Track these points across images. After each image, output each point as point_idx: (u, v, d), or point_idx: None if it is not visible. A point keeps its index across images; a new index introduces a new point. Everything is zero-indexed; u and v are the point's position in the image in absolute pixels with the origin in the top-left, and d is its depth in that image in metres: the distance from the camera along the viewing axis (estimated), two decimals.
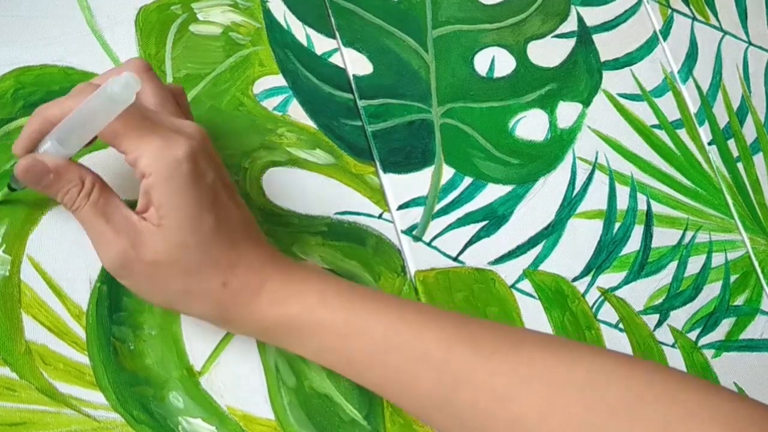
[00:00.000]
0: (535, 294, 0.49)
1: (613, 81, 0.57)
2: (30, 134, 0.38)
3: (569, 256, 0.51)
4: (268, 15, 0.51)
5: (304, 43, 0.51)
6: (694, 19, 0.62)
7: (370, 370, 0.38)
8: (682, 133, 0.58)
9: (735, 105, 0.61)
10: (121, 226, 0.37)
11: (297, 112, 0.49)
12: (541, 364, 0.35)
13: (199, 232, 0.37)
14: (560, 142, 0.54)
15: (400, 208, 0.49)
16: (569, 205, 0.52)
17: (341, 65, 0.51)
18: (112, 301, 0.41)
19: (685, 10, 0.62)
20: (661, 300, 0.52)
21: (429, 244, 0.48)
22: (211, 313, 0.38)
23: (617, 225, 0.53)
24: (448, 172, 0.51)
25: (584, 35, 0.58)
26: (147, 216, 0.37)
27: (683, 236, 0.54)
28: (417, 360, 0.36)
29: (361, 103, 0.50)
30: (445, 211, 0.50)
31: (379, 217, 0.48)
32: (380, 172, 0.49)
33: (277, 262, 0.39)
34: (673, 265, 0.53)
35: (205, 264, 0.37)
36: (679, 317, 0.52)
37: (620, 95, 0.57)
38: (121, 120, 0.35)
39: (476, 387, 0.35)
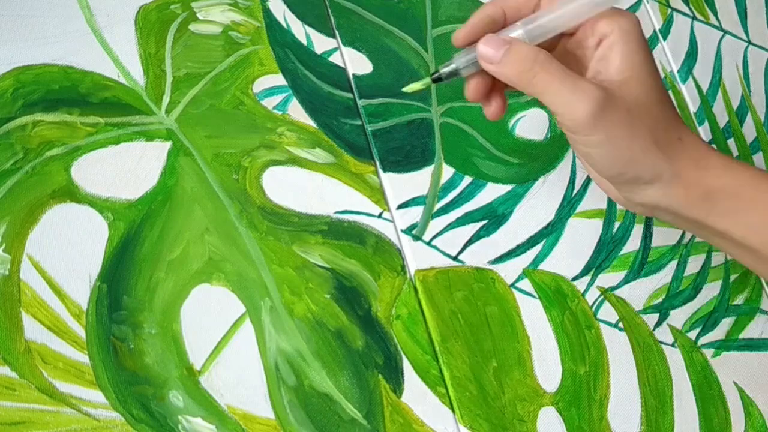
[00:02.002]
0: (534, 293, 0.49)
1: None
2: (481, 18, 0.41)
3: (569, 256, 0.51)
4: (267, 14, 0.51)
5: (304, 42, 0.51)
6: (693, 18, 0.62)
7: None
8: None
9: (735, 104, 0.60)
10: (586, 84, 0.38)
11: (297, 111, 0.49)
12: None
13: (657, 85, 0.40)
14: (560, 141, 0.54)
15: (400, 207, 0.49)
16: (569, 205, 0.52)
17: (341, 64, 0.51)
18: (112, 300, 0.41)
19: (685, 9, 0.62)
20: (660, 299, 0.52)
21: (429, 244, 0.48)
22: (664, 167, 0.39)
23: (617, 224, 0.53)
24: (447, 172, 0.51)
25: None
26: (600, 80, 0.39)
27: (683, 235, 0.54)
28: None
29: (360, 103, 0.50)
30: (444, 210, 0.50)
31: (379, 216, 0.48)
32: (380, 171, 0.49)
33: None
34: (672, 265, 0.53)
35: (664, 116, 0.39)
36: (679, 316, 0.52)
37: None
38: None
39: None
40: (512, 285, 0.49)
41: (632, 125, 0.39)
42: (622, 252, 0.52)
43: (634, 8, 0.61)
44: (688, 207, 0.40)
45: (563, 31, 0.41)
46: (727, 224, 0.40)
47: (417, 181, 0.50)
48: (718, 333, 0.53)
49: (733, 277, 0.54)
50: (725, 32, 0.63)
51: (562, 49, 0.43)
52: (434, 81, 0.42)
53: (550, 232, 0.51)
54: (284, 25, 0.51)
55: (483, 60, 0.40)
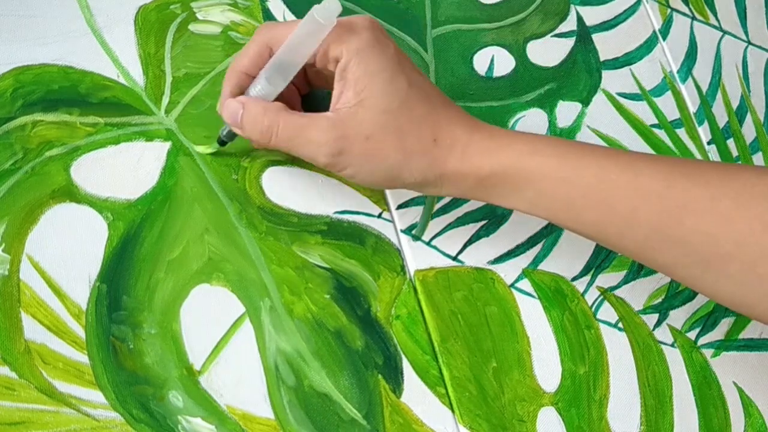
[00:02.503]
0: (534, 293, 0.49)
1: (613, 80, 0.57)
2: (230, 87, 0.42)
3: (569, 256, 0.51)
4: (267, 14, 0.51)
5: None
6: (693, 18, 0.62)
7: (587, 211, 0.39)
8: (682, 133, 0.58)
9: (734, 104, 0.60)
10: (322, 127, 0.39)
11: None
12: (762, 187, 0.36)
13: (398, 93, 0.39)
14: None
15: (400, 207, 0.49)
16: None
17: None
18: (112, 300, 0.41)
19: (685, 9, 0.62)
20: (660, 299, 0.52)
21: (428, 244, 0.48)
22: (426, 173, 0.40)
23: None
24: None
25: (584, 35, 0.58)
26: (341, 104, 0.40)
27: None
28: (635, 194, 0.38)
29: None
30: (444, 210, 0.50)
31: (379, 216, 0.48)
32: None
33: (476, 120, 0.42)
34: None
35: (413, 123, 0.40)
36: (679, 317, 0.52)
37: (620, 95, 0.57)
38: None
39: (699, 212, 0.36)
40: (512, 285, 0.49)
41: (377, 151, 0.40)
42: None
43: (633, 8, 0.61)
44: (468, 195, 0.42)
45: (302, 65, 0.40)
46: (509, 204, 0.41)
47: None
48: (718, 333, 0.53)
49: None
50: (725, 32, 0.63)
51: (312, 78, 0.45)
52: (221, 144, 0.45)
53: (550, 232, 0.51)
54: None
55: (230, 124, 0.42)
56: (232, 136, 0.44)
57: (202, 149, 0.45)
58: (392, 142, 0.39)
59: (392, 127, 0.39)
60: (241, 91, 0.42)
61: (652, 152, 0.56)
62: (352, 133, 0.39)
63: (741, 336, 0.53)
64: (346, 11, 0.53)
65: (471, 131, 0.40)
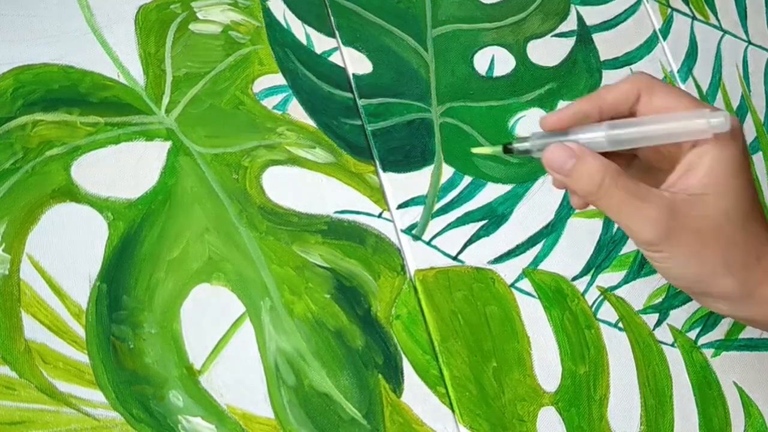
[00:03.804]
0: (534, 293, 0.49)
1: (613, 80, 0.57)
2: (575, 112, 0.39)
3: (569, 256, 0.51)
4: (267, 14, 0.51)
5: (304, 42, 0.51)
6: (693, 18, 0.62)
7: None
8: None
9: (734, 104, 0.60)
10: (656, 201, 0.37)
11: (297, 111, 0.49)
12: None
13: (742, 202, 0.37)
14: None
15: (400, 207, 0.49)
16: (569, 204, 0.52)
17: (341, 64, 0.51)
18: (112, 299, 0.41)
19: (685, 9, 0.62)
20: (660, 299, 0.52)
21: (428, 243, 0.48)
22: (736, 289, 0.38)
23: (617, 224, 0.53)
24: (447, 171, 0.51)
25: (584, 34, 0.58)
26: (679, 188, 0.38)
27: None
28: None
29: (360, 102, 0.50)
30: (444, 210, 0.50)
31: (379, 216, 0.48)
32: (380, 171, 0.49)
33: None
34: None
35: (744, 235, 0.38)
36: (679, 316, 0.52)
37: None
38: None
39: None
40: (512, 285, 0.49)
41: (701, 247, 0.38)
42: (622, 252, 0.52)
43: (634, 8, 0.61)
44: (763, 323, 0.40)
45: (652, 145, 0.39)
46: None
47: (417, 181, 0.50)
48: (718, 333, 0.53)
49: None
50: (725, 32, 0.63)
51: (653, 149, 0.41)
52: (505, 151, 0.42)
53: (550, 232, 0.51)
54: (284, 24, 0.51)
55: (549, 168, 0.39)
56: (526, 152, 0.41)
57: (482, 150, 0.45)
58: (719, 247, 0.38)
59: (724, 232, 0.38)
60: (573, 123, 0.40)
61: None
62: (686, 223, 0.37)
63: (741, 336, 0.53)
64: (345, 10, 0.53)
65: None
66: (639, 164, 0.42)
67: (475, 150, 0.44)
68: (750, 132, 0.60)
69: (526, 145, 0.41)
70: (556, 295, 0.50)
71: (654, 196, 0.37)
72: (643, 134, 0.38)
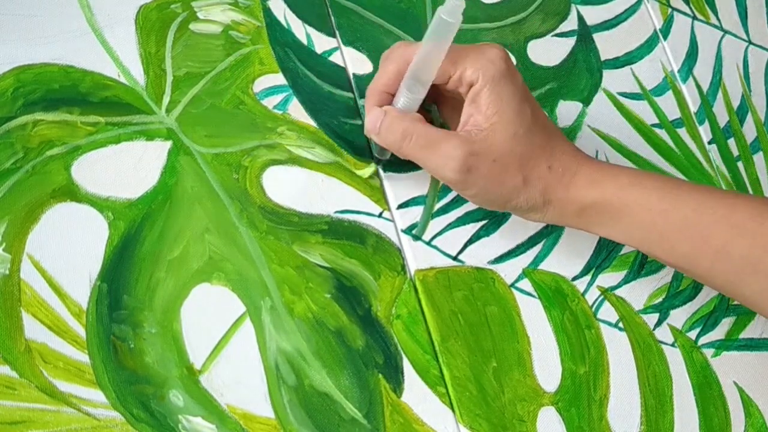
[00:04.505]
0: (534, 293, 0.49)
1: (614, 80, 0.57)
2: (379, 87, 0.45)
3: (569, 256, 0.51)
4: (268, 13, 0.51)
5: (304, 41, 0.51)
6: (694, 18, 0.62)
7: (681, 243, 0.41)
8: (683, 132, 0.58)
9: (735, 104, 0.60)
10: (455, 143, 0.41)
11: (297, 111, 0.49)
12: None
13: (524, 120, 0.42)
14: None
15: (400, 207, 0.49)
16: None
17: (341, 64, 0.51)
18: (112, 299, 0.41)
19: (686, 9, 0.62)
20: (660, 299, 0.52)
21: (429, 243, 0.48)
22: (537, 199, 0.43)
23: None
24: None
25: (584, 34, 0.58)
26: (470, 126, 0.42)
27: None
28: (729, 229, 0.40)
29: (361, 102, 0.50)
30: (444, 210, 0.50)
31: (379, 215, 0.48)
32: (380, 171, 0.49)
33: (584, 153, 0.44)
34: None
35: (534, 150, 0.42)
36: (679, 316, 0.52)
37: (620, 94, 0.57)
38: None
39: None
40: (512, 285, 0.49)
41: (500, 173, 0.42)
42: (622, 252, 0.53)
43: (634, 8, 0.61)
44: (568, 222, 0.44)
45: (438, 67, 0.42)
46: (606, 233, 0.44)
47: (417, 181, 0.50)
48: (718, 333, 0.53)
49: None
50: (726, 32, 0.63)
51: (451, 99, 0.46)
52: (377, 163, 0.48)
53: (550, 232, 0.51)
54: (284, 24, 0.51)
55: (367, 133, 0.45)
56: (383, 151, 0.46)
57: (363, 172, 0.48)
58: (515, 166, 0.42)
59: (516, 153, 0.42)
60: (393, 83, 0.44)
61: (653, 151, 0.56)
62: (482, 155, 0.41)
63: (741, 336, 0.53)
64: (346, 10, 0.53)
65: (580, 162, 0.43)
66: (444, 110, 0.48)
67: (360, 172, 0.48)
68: (750, 132, 0.60)
69: (375, 151, 0.47)
70: (556, 295, 0.50)
71: (450, 136, 0.42)
72: (420, 65, 0.42)
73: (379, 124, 0.43)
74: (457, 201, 0.50)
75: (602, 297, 0.51)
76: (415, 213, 0.49)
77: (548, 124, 0.44)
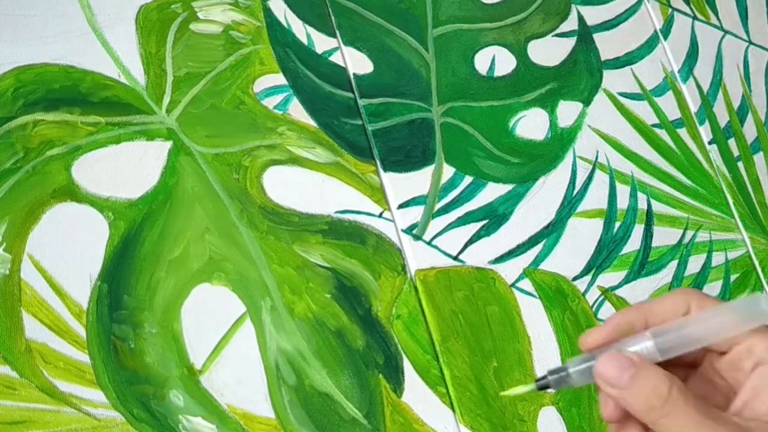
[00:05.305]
0: (535, 293, 0.49)
1: (614, 80, 0.57)
2: (619, 323, 0.35)
3: (569, 256, 0.51)
4: (268, 14, 0.51)
5: (305, 41, 0.51)
6: (694, 18, 0.62)
7: None
8: (683, 132, 0.58)
9: (735, 104, 0.60)
10: (731, 427, 0.33)
11: (297, 111, 0.49)
12: None
13: None
14: (560, 141, 0.54)
15: (401, 207, 0.49)
16: (569, 204, 0.52)
17: (342, 64, 0.51)
18: (113, 299, 0.41)
19: (686, 9, 0.62)
20: None
21: (429, 243, 0.48)
22: None
23: (617, 224, 0.53)
24: (448, 171, 0.51)
25: (585, 34, 0.58)
26: (750, 413, 0.33)
27: (683, 235, 0.54)
28: None
29: (361, 102, 0.50)
30: (445, 210, 0.50)
31: (380, 215, 0.48)
32: (380, 170, 0.49)
33: None
34: (673, 264, 0.53)
35: None
36: None
37: (621, 94, 0.57)
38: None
39: None
40: (513, 285, 0.49)
41: None
42: (623, 252, 0.52)
43: (635, 8, 0.61)
44: None
45: (705, 346, 0.34)
46: None
47: (417, 181, 0.50)
48: None
49: (733, 278, 0.54)
50: (726, 32, 0.63)
51: (708, 366, 0.36)
52: (539, 389, 0.35)
53: (551, 232, 0.51)
54: (285, 24, 0.51)
55: (602, 381, 0.34)
56: (563, 381, 0.35)
57: (515, 390, 0.36)
58: None
59: None
60: (618, 335, 0.35)
61: (653, 151, 0.56)
62: None
63: None
64: (346, 10, 0.53)
65: None
66: (697, 381, 0.37)
67: (508, 392, 0.37)
68: (750, 132, 0.60)
69: (562, 373, 0.34)
70: (556, 295, 0.50)
71: (727, 422, 0.33)
72: (692, 336, 0.33)
73: (628, 377, 0.33)
74: (458, 201, 0.50)
75: (603, 297, 0.51)
76: (416, 213, 0.49)
77: None
